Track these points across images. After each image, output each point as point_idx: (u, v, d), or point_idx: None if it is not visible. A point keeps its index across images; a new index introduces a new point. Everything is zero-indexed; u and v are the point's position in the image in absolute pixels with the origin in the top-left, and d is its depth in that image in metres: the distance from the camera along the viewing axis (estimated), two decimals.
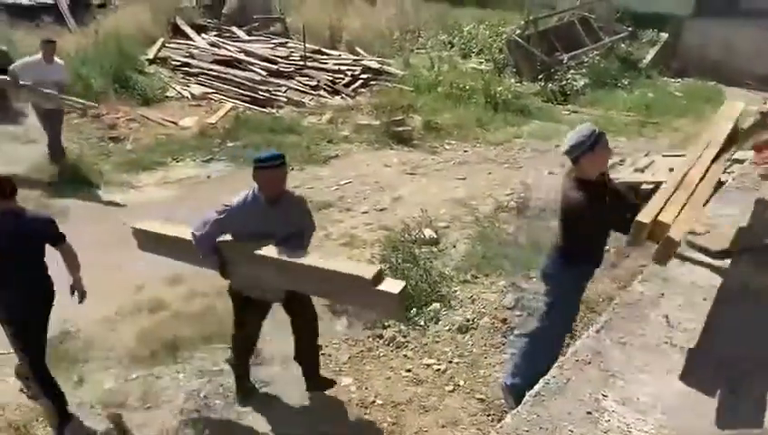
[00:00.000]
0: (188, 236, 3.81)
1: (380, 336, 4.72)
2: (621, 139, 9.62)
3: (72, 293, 4.10)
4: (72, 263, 4.05)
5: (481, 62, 13.45)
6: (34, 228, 3.88)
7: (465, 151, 9.29)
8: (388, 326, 4.81)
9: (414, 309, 4.94)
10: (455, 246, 6.09)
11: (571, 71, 12.76)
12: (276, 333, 4.44)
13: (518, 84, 12.26)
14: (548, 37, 13.45)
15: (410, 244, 5.94)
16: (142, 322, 4.96)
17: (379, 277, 3.30)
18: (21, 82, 7.56)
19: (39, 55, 7.63)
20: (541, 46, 13.12)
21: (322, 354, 4.53)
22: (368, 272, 3.31)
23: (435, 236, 6.19)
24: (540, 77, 12.65)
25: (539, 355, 3.78)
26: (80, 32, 13.90)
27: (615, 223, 3.38)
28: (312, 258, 3.58)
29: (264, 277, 3.67)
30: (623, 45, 13.96)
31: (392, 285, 3.30)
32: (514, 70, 13.08)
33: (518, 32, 13.44)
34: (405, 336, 4.75)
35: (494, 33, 14.39)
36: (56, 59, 7.77)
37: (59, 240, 3.98)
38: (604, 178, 3.58)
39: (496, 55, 13.52)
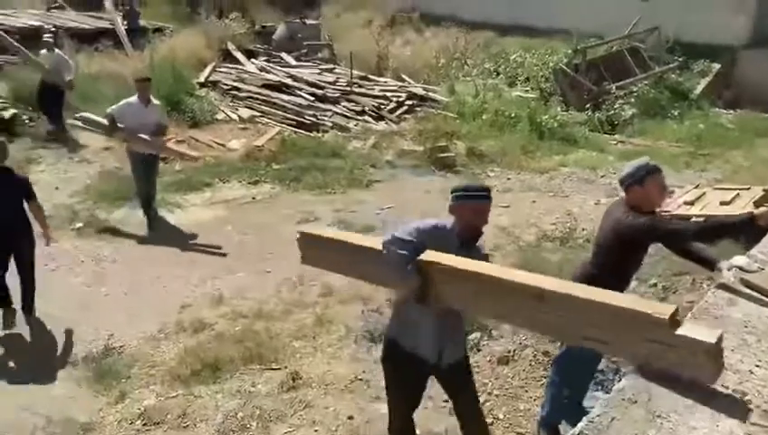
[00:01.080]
0: (370, 244, 3.25)
1: None
2: (670, 170, 9.40)
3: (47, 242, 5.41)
4: (40, 218, 5.34)
5: (527, 90, 13.41)
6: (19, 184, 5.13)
7: (509, 179, 9.23)
8: None
9: None
10: None
11: (620, 100, 12.60)
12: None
13: (565, 113, 12.16)
14: (596, 66, 13.34)
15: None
16: (185, 341, 5.03)
17: (676, 318, 2.33)
18: (120, 126, 7.01)
19: (135, 97, 7.07)
20: (588, 75, 13.02)
21: (359, 380, 4.51)
22: (661, 310, 2.32)
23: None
24: (587, 106, 12.53)
25: (561, 385, 3.74)
26: (136, 56, 14.43)
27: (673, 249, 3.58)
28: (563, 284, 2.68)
29: (481, 305, 2.92)
30: (673, 75, 13.73)
31: (701, 332, 2.33)
32: (561, 98, 12.99)
33: (566, 60, 13.36)
34: None
35: (540, 62, 14.34)
36: (152, 99, 7.25)
37: (32, 198, 5.20)
38: (655, 214, 3.52)
39: (543, 84, 13.47)
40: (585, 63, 13.22)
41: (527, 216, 7.60)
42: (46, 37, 10.72)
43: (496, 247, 6.68)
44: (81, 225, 7.15)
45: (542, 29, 16.21)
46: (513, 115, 11.31)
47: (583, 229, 6.95)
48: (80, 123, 8.46)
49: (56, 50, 10.35)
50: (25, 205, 5.15)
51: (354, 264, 3.37)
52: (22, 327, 5.22)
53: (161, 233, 7.13)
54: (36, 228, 5.33)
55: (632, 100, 12.59)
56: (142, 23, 17.77)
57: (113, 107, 7.13)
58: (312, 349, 4.91)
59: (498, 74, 14.46)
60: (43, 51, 10.17)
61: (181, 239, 7.01)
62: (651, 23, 14.27)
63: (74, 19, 18.22)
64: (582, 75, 12.95)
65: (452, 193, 3.23)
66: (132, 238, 7.03)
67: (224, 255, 6.67)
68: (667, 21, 14.04)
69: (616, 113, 12.30)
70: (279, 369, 4.63)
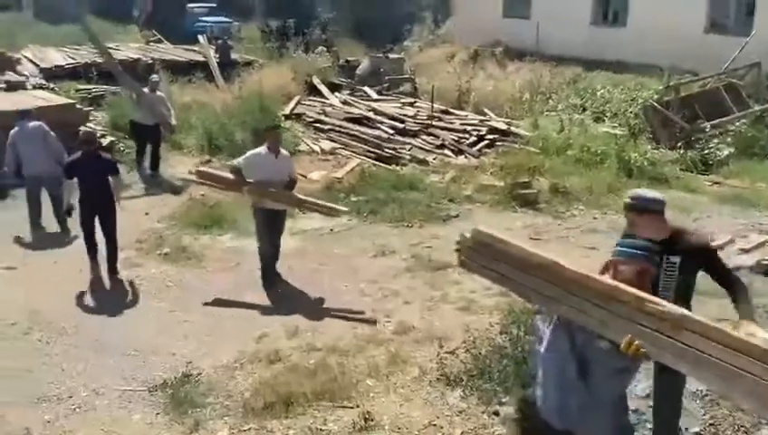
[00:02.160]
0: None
1: (497, 413, 4.44)
2: (759, 215, 8.81)
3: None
4: (118, 189, 6.86)
5: (614, 127, 12.94)
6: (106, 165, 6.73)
7: (595, 218, 8.85)
8: (506, 403, 4.52)
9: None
10: None
11: (715, 139, 11.95)
12: None
13: (655, 151, 11.62)
14: (689, 103, 12.74)
15: (534, 314, 5.64)
16: (260, 371, 5.02)
17: None
18: (248, 181, 6.39)
19: (263, 148, 6.44)
20: (681, 112, 12.44)
21: (432, 425, 4.35)
22: None
23: None
24: (679, 144, 11.95)
25: None
26: (226, 88, 15.04)
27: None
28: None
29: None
30: None
31: None
32: (651, 136, 12.45)
33: (656, 96, 12.86)
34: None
35: (629, 98, 13.86)
36: (282, 150, 6.66)
37: (116, 173, 6.79)
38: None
39: (631, 120, 12.98)
40: (678, 100, 12.66)
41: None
42: (154, 78, 10.97)
43: None
44: (168, 250, 7.39)
45: (630, 64, 15.76)
46: (599, 152, 10.91)
47: None
48: (196, 178, 7.21)
49: (159, 92, 10.65)
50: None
51: (539, 280, 2.78)
52: (103, 347, 5.38)
53: (243, 261, 7.25)
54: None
55: (728, 139, 11.91)
56: (234, 56, 18.59)
57: (239, 159, 6.51)
58: (385, 388, 4.79)
59: (584, 110, 14.06)
60: (146, 89, 10.42)
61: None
62: (750, 59, 13.57)
63: (170, 52, 19.28)
64: (674, 112, 12.39)
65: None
66: (216, 265, 7.18)
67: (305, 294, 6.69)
68: None
69: (710, 153, 11.65)
70: (351, 407, 4.53)
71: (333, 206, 7.26)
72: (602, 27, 18.08)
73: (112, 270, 6.73)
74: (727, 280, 3.47)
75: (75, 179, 6.56)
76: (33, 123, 8.10)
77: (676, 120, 12.26)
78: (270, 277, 6.60)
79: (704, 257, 3.51)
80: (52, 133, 8.11)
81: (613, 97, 14.21)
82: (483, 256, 2.96)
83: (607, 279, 2.66)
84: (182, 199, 9.13)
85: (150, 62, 16.85)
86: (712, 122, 12.23)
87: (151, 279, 6.74)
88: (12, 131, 8.03)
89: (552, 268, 2.74)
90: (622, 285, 2.59)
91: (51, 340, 5.48)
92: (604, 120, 13.53)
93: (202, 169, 7.72)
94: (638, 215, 3.50)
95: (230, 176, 6.58)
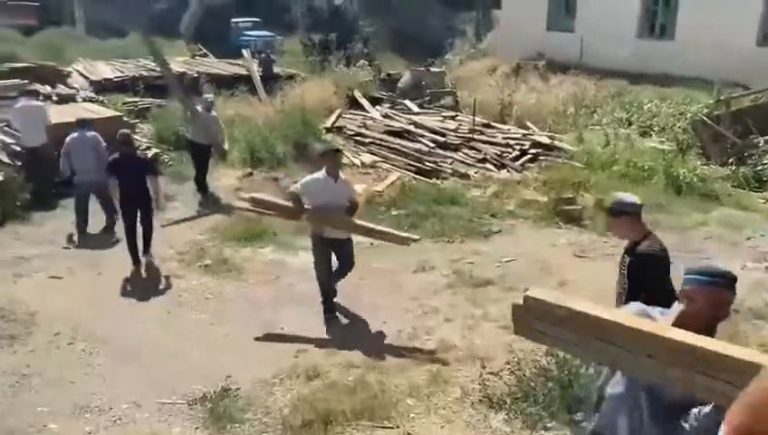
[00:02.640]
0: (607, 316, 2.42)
1: None
2: None
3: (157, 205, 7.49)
4: (156, 188, 7.36)
5: (662, 142, 12.59)
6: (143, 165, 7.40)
7: None
8: (551, 428, 4.36)
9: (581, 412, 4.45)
10: None
11: None
12: None
13: (705, 167, 11.25)
14: (741, 118, 12.30)
15: None
16: (298, 388, 4.97)
17: None
18: (307, 207, 6.10)
19: (322, 172, 5.97)
20: (732, 127, 12.03)
21: None
22: None
23: None
24: (730, 160, 11.54)
25: None
26: (269, 101, 15.19)
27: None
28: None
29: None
30: None
31: None
32: (701, 151, 12.07)
33: (706, 111, 12.47)
34: None
35: (677, 112, 13.48)
36: (341, 174, 6.17)
37: (153, 174, 7.40)
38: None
39: (680, 135, 12.60)
40: (728, 115, 12.25)
41: None
42: (209, 98, 10.78)
43: None
44: (209, 262, 7.43)
45: (678, 78, 15.36)
46: (646, 167, 10.61)
47: None
48: (248, 206, 6.88)
49: (213, 111, 10.31)
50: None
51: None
52: (143, 358, 5.41)
53: (282, 275, 7.24)
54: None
55: None
56: (276, 70, 18.82)
57: (296, 185, 6.24)
58: (426, 409, 4.68)
59: (630, 124, 13.73)
60: (199, 107, 10.17)
61: (301, 283, 7.07)
62: None
63: (215, 66, 19.63)
64: (725, 127, 11.98)
65: (689, 274, 2.50)
66: (256, 278, 7.19)
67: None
68: None
69: (763, 169, 11.22)
70: (391, 428, 4.44)
71: (402, 234, 6.65)
72: (649, 40, 17.70)
73: (146, 249, 7.36)
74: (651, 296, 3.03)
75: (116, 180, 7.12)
76: (90, 133, 8.47)
77: (728, 134, 11.86)
78: (331, 309, 6.20)
79: (639, 265, 3.77)
80: (103, 144, 8.40)
81: (660, 111, 13.84)
82: (541, 321, 2.52)
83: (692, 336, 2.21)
84: (224, 211, 9.20)
85: (196, 75, 17.19)
86: (765, 137, 11.79)
87: (192, 291, 6.78)
88: (68, 139, 8.36)
89: (626, 331, 2.30)
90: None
91: (93, 350, 5.53)
92: (651, 135, 13.19)
93: (256, 196, 6.96)
94: (614, 217, 3.88)
95: (286, 203, 6.38)
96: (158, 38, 31.23)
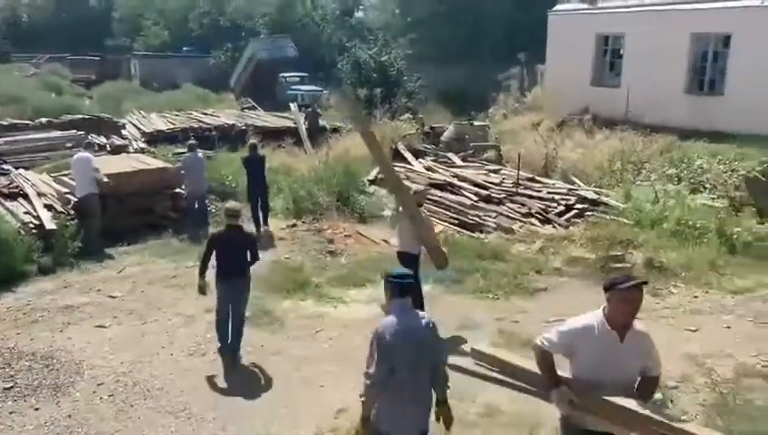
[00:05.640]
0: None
1: None
2: None
3: None
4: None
5: (713, 199, 12.22)
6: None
7: (696, 298, 8.22)
8: None
9: None
10: (686, 413, 5.19)
11: None
12: None
13: (761, 226, 10.84)
14: None
15: None
16: None
17: None
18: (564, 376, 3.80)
19: (598, 316, 3.61)
20: None
21: None
22: None
23: (661, 398, 5.35)
24: None
25: None
26: (314, 153, 15.44)
27: None
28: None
29: None
30: None
31: None
32: (755, 209, 11.65)
33: (760, 168, 12.09)
34: None
35: (729, 169, 13.12)
36: (637, 325, 3.62)
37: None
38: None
39: (732, 192, 12.22)
40: None
41: (721, 344, 6.63)
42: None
43: (685, 378, 5.85)
44: (248, 314, 7.39)
45: (728, 133, 15.02)
46: (698, 225, 10.27)
47: None
48: (476, 361, 5.56)
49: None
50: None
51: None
52: (184, 414, 5.34)
53: (325, 328, 7.15)
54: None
55: None
56: (322, 123, 19.20)
57: (550, 336, 3.80)
58: None
59: (680, 180, 13.39)
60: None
61: (342, 338, 6.96)
62: None
63: (262, 118, 20.17)
64: None
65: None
66: (297, 332, 7.10)
67: None
68: None
69: None
70: None
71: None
72: (698, 96, 17.46)
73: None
74: None
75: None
76: (199, 154, 11.13)
77: None
78: None
79: None
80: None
81: (711, 168, 13.49)
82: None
83: None
84: (266, 261, 9.22)
85: (244, 127, 17.65)
86: None
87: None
88: (183, 160, 11.17)
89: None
90: None
91: (135, 404, 5.50)
92: (702, 192, 12.82)
93: (482, 350, 5.39)
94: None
95: (526, 366, 4.29)
96: (209, 91, 32.48)
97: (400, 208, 7.43)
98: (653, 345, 3.59)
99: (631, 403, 3.44)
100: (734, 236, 9.95)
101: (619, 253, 9.24)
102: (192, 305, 7.53)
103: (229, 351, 6.36)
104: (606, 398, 3.44)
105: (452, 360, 5.29)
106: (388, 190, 10.82)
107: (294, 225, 11.11)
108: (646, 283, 3.64)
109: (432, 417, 3.86)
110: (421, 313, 3.98)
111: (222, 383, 5.95)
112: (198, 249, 9.16)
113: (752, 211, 11.67)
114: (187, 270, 8.73)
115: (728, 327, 7.15)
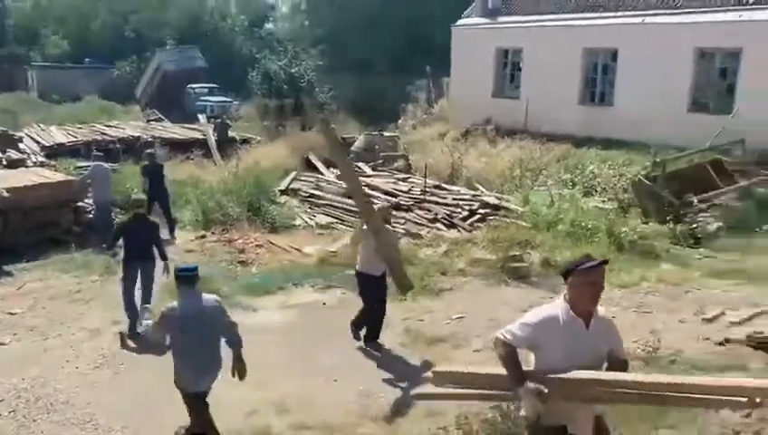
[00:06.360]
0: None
1: None
2: (759, 290, 8.84)
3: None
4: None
5: (604, 201, 13.18)
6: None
7: None
8: None
9: None
10: None
11: (702, 213, 12.13)
12: None
13: (645, 225, 11.79)
14: (677, 178, 13.02)
15: None
16: None
17: None
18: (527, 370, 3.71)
19: (561, 306, 3.52)
20: (669, 187, 12.70)
21: None
22: None
23: None
24: (668, 219, 12.12)
25: None
26: (224, 164, 15.35)
27: None
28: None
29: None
30: (761, 189, 13.17)
31: None
32: (641, 211, 12.66)
33: (644, 172, 13.15)
34: None
35: (618, 173, 14.17)
36: (600, 310, 3.63)
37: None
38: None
39: (621, 195, 13.22)
40: (665, 175, 12.95)
41: None
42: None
43: None
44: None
45: (618, 141, 16.21)
46: (590, 226, 11.05)
47: (668, 349, 6.53)
48: (433, 384, 4.17)
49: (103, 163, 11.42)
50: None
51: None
52: None
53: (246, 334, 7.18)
54: None
55: (717, 213, 12.10)
56: (232, 134, 19.07)
57: (510, 329, 3.59)
58: None
59: (574, 185, 14.35)
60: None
61: (254, 343, 7.03)
62: (737, 135, 14.02)
63: (169, 130, 19.79)
64: (662, 187, 12.65)
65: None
66: None
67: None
68: (755, 133, 13.79)
69: (699, 227, 11.81)
70: None
71: None
72: (590, 106, 18.69)
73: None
74: None
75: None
76: (105, 165, 11.18)
77: (664, 194, 12.49)
78: None
79: None
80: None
81: (602, 173, 14.52)
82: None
83: None
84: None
85: (150, 139, 17.27)
86: (699, 197, 12.46)
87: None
88: (90, 169, 11.13)
89: None
90: None
91: (38, 418, 5.39)
92: (594, 196, 13.78)
93: (440, 370, 4.13)
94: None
95: (492, 370, 3.82)
96: (114, 103, 31.37)
97: (365, 226, 7.20)
98: (617, 329, 3.62)
99: (606, 374, 3.44)
100: (622, 236, 10.78)
101: (517, 253, 9.79)
102: (97, 319, 7.40)
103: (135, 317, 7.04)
104: (578, 372, 3.36)
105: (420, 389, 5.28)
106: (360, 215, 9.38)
107: (203, 236, 11.04)
108: (606, 262, 3.59)
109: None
110: (207, 295, 4.95)
111: (130, 393, 5.90)
112: (103, 262, 9.01)
113: (637, 212, 12.67)
114: (92, 284, 8.54)
115: (614, 317, 7.73)
